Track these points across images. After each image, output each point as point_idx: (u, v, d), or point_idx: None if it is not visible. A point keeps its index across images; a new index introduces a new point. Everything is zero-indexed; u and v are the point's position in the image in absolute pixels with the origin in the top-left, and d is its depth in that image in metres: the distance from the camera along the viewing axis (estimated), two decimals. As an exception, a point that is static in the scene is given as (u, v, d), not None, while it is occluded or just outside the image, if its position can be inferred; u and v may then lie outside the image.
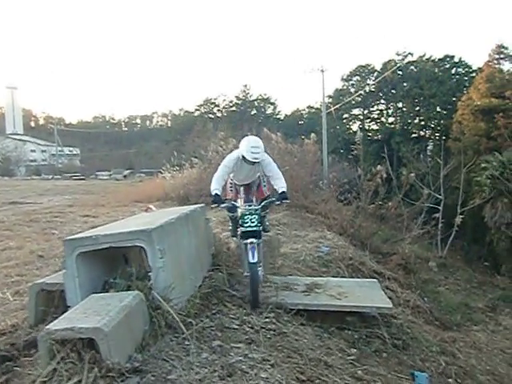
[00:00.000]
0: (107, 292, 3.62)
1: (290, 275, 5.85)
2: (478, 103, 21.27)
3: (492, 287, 13.35)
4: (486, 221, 16.30)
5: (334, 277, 6.45)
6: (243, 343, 3.53)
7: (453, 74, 31.87)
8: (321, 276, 6.56)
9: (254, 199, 5.02)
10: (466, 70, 31.71)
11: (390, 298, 6.92)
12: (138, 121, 43.11)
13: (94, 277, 3.77)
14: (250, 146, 4.57)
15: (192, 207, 4.99)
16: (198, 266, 4.41)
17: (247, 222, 4.45)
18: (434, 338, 5.43)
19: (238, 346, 3.46)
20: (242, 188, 5.13)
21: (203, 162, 10.62)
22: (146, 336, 3.25)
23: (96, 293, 3.57)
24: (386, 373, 3.92)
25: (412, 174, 10.96)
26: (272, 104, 38.15)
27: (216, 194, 4.48)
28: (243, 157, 4.59)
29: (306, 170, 12.45)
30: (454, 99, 25.55)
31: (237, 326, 3.81)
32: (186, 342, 3.30)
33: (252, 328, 3.84)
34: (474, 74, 28.46)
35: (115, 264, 3.84)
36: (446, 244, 16.06)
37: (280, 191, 4.61)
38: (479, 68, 25.82)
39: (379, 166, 10.20)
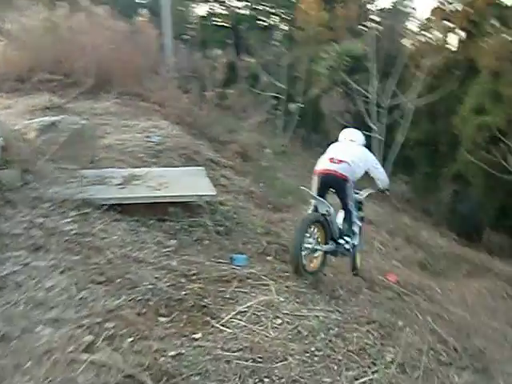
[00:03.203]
0: None
1: (111, 167, 5.19)
2: (322, -8, 21.22)
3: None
4: (323, 110, 17.32)
5: (163, 167, 6.01)
6: (26, 250, 2.91)
7: (302, -41, 30.90)
8: (150, 167, 6.07)
9: None
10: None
11: (223, 186, 6.90)
12: None
13: None
14: None
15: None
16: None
17: None
18: (262, 220, 5.53)
19: (17, 255, 2.84)
20: None
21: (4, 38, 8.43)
22: None
23: None
24: (205, 260, 3.77)
25: (252, 60, 10.56)
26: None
27: None
28: None
29: (142, 53, 11.09)
30: (302, -14, 25.11)
31: (21, 231, 3.13)
32: None
33: (43, 231, 3.21)
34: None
35: None
36: (288, 133, 16.84)
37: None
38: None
39: (218, 51, 9.50)
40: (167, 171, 5.02)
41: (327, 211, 4.03)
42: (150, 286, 2.90)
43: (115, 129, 7.32)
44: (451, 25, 13.61)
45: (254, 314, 2.92)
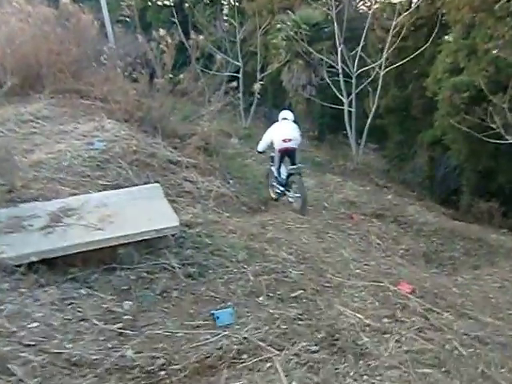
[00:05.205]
0: None
1: (36, 200, 3.92)
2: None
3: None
4: (285, 85, 16.21)
5: (112, 183, 4.82)
6: None
7: None
8: (96, 184, 4.86)
9: None
10: None
11: (188, 193, 5.75)
12: None
13: None
14: None
15: None
16: None
17: None
18: (241, 237, 4.46)
19: None
20: None
21: None
22: None
23: None
24: (176, 327, 2.69)
25: (201, 37, 9.22)
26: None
27: None
28: None
29: (78, 41, 9.56)
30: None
31: None
32: None
33: None
34: None
35: None
36: (250, 114, 15.65)
37: None
38: None
39: (161, 31, 8.09)
40: (111, 196, 3.82)
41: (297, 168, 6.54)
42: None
43: (47, 138, 5.99)
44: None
45: None
